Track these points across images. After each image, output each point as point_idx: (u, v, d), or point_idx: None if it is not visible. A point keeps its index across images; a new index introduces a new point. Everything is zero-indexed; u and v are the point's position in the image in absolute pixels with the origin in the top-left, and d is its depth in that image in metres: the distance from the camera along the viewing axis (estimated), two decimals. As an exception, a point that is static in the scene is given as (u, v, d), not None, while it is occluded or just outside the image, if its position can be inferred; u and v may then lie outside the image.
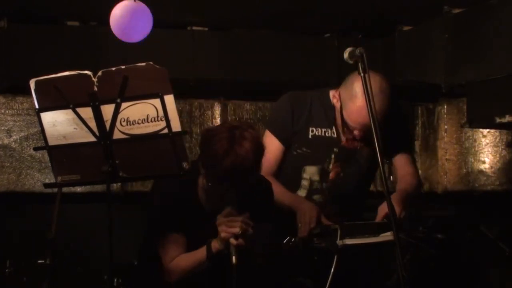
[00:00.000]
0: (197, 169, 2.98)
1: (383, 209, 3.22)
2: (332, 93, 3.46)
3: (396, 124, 3.48)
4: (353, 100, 3.28)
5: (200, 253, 2.94)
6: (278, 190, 3.40)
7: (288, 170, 3.54)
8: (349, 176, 3.49)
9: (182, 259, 3.00)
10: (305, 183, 3.49)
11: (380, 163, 2.73)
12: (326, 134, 3.48)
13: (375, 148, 2.72)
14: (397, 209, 3.12)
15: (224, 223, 2.84)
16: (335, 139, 3.47)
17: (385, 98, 3.26)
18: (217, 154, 2.84)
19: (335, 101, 3.43)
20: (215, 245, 2.89)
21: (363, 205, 3.59)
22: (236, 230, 2.81)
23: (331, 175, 3.48)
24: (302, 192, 3.49)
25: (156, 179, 3.07)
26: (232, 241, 2.81)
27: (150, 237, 3.15)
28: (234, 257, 2.78)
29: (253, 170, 2.96)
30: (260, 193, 3.17)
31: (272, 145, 3.48)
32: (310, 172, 3.49)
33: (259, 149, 2.94)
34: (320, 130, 3.49)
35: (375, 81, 3.15)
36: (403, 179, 3.55)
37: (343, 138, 3.46)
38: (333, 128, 3.47)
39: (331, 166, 3.47)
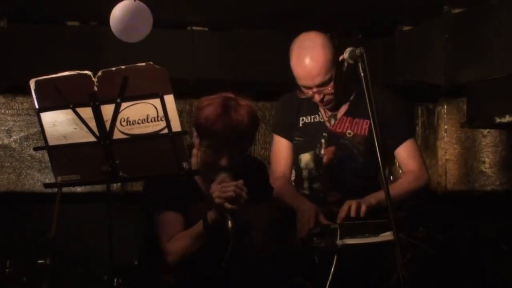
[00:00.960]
0: (191, 143, 3.02)
1: (341, 212, 3.21)
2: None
3: (393, 113, 3.47)
4: (291, 57, 3.39)
5: (197, 227, 2.92)
6: (285, 191, 3.43)
7: (295, 166, 3.61)
8: (343, 162, 3.48)
9: (180, 236, 2.97)
10: (304, 173, 3.51)
11: (380, 162, 2.73)
12: (315, 120, 3.52)
13: (374, 143, 2.72)
14: (354, 202, 3.17)
15: (218, 189, 2.84)
16: (323, 124, 3.49)
17: (315, 47, 3.33)
18: (210, 117, 2.90)
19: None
20: (211, 215, 2.87)
21: (373, 191, 3.52)
22: (230, 194, 2.80)
23: (325, 160, 3.48)
24: (305, 183, 3.50)
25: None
26: (227, 205, 2.79)
27: (149, 230, 3.12)
28: (229, 222, 2.77)
29: (247, 137, 2.99)
30: (256, 174, 3.17)
31: (281, 145, 3.59)
32: (305, 160, 3.51)
33: (254, 118, 2.99)
34: (309, 117, 3.55)
35: (307, 34, 3.40)
36: (403, 176, 3.54)
37: (328, 123, 3.48)
38: (319, 113, 3.50)
39: (323, 151, 3.47)
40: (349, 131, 3.48)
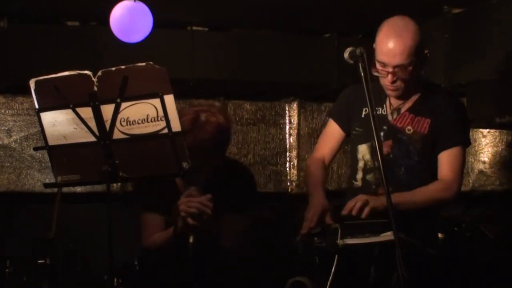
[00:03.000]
0: None
1: (349, 202, 3.19)
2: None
3: (451, 117, 3.40)
4: (378, 34, 3.35)
5: (169, 232, 3.09)
6: (312, 179, 3.43)
7: (350, 157, 3.57)
8: (398, 158, 3.43)
9: (156, 237, 3.17)
10: (360, 164, 3.45)
11: (380, 159, 2.72)
12: (377, 112, 3.46)
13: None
14: (363, 199, 3.14)
15: (184, 202, 2.94)
16: (384, 117, 3.44)
17: (408, 25, 3.32)
18: None
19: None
20: (180, 223, 2.99)
21: None
22: (193, 210, 2.91)
23: None
24: (359, 174, 3.45)
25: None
26: (189, 220, 2.91)
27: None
28: (191, 236, 2.89)
29: (214, 153, 3.10)
30: (239, 182, 3.27)
31: (330, 129, 3.57)
32: (362, 150, 3.46)
33: (222, 135, 3.12)
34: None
35: (399, 17, 3.36)
36: (434, 182, 3.46)
37: (390, 116, 3.44)
38: (384, 106, 3.46)
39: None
40: (409, 127, 3.43)
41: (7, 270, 3.73)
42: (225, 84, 4.96)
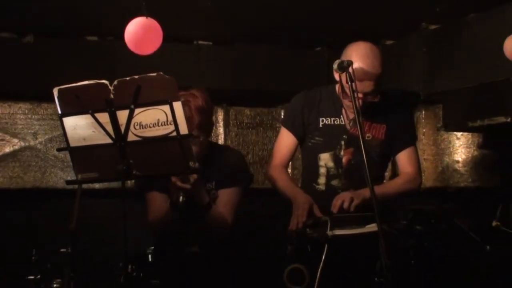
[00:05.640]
0: None
1: (336, 200, 3.19)
2: (334, 72, 3.33)
3: (401, 119, 3.45)
4: (355, 56, 3.22)
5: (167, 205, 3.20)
6: (283, 182, 3.39)
7: (307, 161, 3.53)
8: (361, 163, 3.43)
9: (158, 211, 3.27)
10: (322, 170, 3.44)
11: (364, 157, 2.72)
12: (335, 122, 3.43)
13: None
14: (348, 196, 3.17)
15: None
16: (343, 127, 3.43)
17: (376, 53, 3.27)
18: None
19: (336, 75, 3.33)
20: (172, 197, 3.13)
21: None
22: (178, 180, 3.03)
23: (344, 161, 3.42)
24: (322, 179, 3.44)
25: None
26: (179, 183, 3.05)
27: None
28: (181, 197, 3.06)
29: (200, 129, 3.17)
30: (230, 161, 3.35)
31: (285, 138, 3.49)
32: (325, 159, 3.44)
33: (200, 114, 3.15)
34: (329, 119, 3.44)
35: (365, 44, 3.27)
36: (399, 176, 3.49)
37: (349, 126, 3.42)
38: (341, 116, 3.44)
39: (342, 152, 3.43)
40: (368, 134, 3.43)
41: (33, 258, 3.72)
42: (227, 92, 4.95)
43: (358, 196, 3.18)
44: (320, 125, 3.44)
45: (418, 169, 3.51)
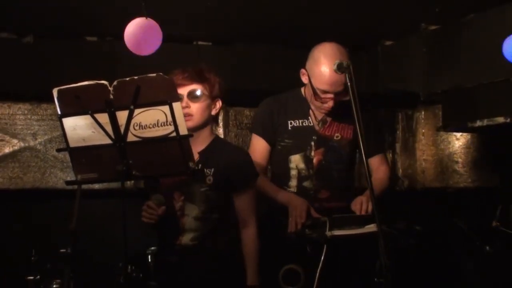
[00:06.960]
0: None
1: (356, 205, 3.22)
2: (302, 75, 3.41)
3: (373, 129, 3.48)
4: (316, 64, 3.27)
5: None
6: (270, 188, 3.40)
7: (277, 164, 3.51)
8: (331, 163, 3.45)
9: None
10: (293, 172, 3.45)
11: (365, 161, 2.72)
12: (304, 124, 3.45)
13: (359, 144, 2.71)
14: (366, 199, 3.22)
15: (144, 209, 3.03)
16: (312, 128, 3.44)
17: (343, 52, 3.27)
18: None
19: (304, 78, 3.38)
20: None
21: (352, 189, 3.52)
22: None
23: (315, 161, 3.43)
24: (293, 182, 3.44)
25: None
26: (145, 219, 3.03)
27: None
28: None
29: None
30: (235, 160, 3.14)
31: (258, 145, 3.48)
32: (295, 160, 3.44)
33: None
34: (298, 121, 3.46)
35: (331, 45, 3.29)
36: (375, 174, 3.52)
37: (317, 127, 3.45)
38: (309, 118, 3.45)
39: (313, 153, 3.44)
40: (337, 134, 3.45)
41: (32, 258, 3.73)
42: (227, 92, 4.95)
43: (368, 198, 3.22)
44: (289, 128, 3.45)
45: (389, 169, 3.61)
